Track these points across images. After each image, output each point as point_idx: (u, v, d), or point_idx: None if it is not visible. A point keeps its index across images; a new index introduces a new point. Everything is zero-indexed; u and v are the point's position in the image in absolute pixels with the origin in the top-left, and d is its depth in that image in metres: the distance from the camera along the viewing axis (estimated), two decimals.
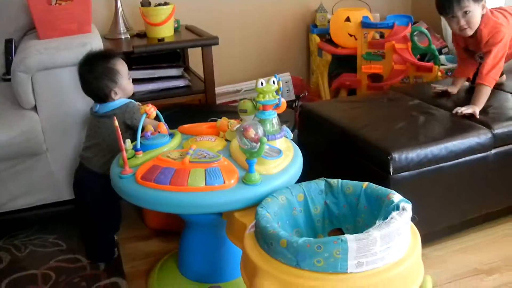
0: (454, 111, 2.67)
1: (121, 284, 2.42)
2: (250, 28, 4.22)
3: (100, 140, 2.39)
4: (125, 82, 2.42)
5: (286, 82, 4.02)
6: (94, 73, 2.35)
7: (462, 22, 2.71)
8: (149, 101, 2.70)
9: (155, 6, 3.37)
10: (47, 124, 2.63)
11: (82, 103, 2.62)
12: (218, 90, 3.85)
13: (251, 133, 1.81)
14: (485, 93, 2.71)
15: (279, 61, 4.37)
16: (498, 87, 3.02)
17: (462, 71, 3.07)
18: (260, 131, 1.82)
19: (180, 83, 3.28)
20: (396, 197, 1.72)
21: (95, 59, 2.40)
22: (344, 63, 4.01)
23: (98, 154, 2.41)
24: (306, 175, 2.88)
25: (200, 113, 2.90)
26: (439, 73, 3.71)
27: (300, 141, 2.86)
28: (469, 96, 2.82)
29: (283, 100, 2.13)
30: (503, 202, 2.73)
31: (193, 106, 3.21)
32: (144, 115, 2.12)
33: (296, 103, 4.02)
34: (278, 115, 2.17)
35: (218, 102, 3.83)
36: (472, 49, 2.89)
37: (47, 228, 2.89)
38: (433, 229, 2.51)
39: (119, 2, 3.47)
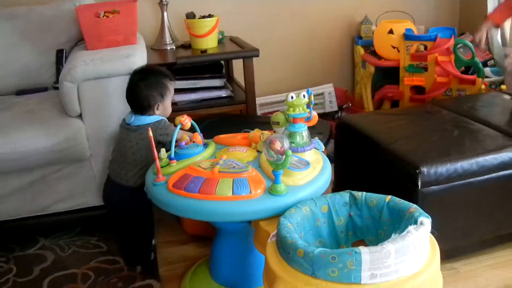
0: None
1: (155, 286, 2.51)
2: (294, 39, 4.31)
3: (129, 153, 2.45)
4: (168, 102, 2.50)
5: (329, 93, 4.07)
6: (146, 81, 2.43)
7: None
8: (190, 111, 2.83)
9: (200, 18, 3.47)
10: (92, 132, 2.75)
11: (124, 112, 2.70)
12: (262, 100, 3.95)
13: (277, 145, 1.88)
14: None
15: (323, 72, 4.44)
16: None
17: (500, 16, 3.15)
18: (286, 144, 1.88)
19: (222, 93, 3.37)
20: (418, 211, 1.76)
21: (151, 71, 2.51)
22: (388, 74, 4.01)
23: (125, 168, 2.48)
24: (340, 185, 2.96)
25: (238, 123, 2.98)
26: (483, 86, 3.71)
27: (336, 152, 2.91)
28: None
29: (314, 114, 2.19)
30: None
31: (232, 116, 3.29)
32: (179, 126, 2.20)
33: (339, 114, 4.07)
34: (314, 126, 2.25)
35: (262, 111, 3.93)
36: None
37: (90, 230, 3.02)
38: (464, 243, 2.53)
39: (165, 14, 3.59)
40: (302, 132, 2.14)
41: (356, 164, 2.86)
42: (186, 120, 2.21)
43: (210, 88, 3.36)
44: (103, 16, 3.01)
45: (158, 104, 2.44)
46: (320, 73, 4.43)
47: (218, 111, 3.28)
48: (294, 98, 2.09)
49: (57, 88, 3.08)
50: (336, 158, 2.96)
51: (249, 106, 3.31)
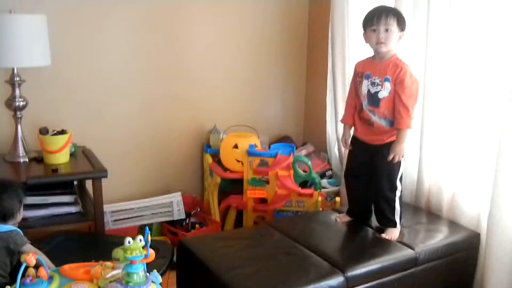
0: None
1: None
2: (145, 146, 4.51)
3: None
4: (21, 211, 2.73)
5: (177, 202, 4.26)
6: (9, 193, 2.65)
7: (382, 35, 3.07)
8: (41, 227, 2.94)
9: (52, 134, 3.61)
10: None
11: None
12: (112, 207, 4.09)
13: None
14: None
15: (174, 177, 4.66)
16: (367, 223, 3.42)
17: (348, 118, 3.43)
18: None
19: (72, 209, 3.49)
20: None
21: (8, 184, 2.74)
22: (234, 183, 4.30)
23: None
24: None
25: (89, 243, 3.21)
26: (319, 198, 4.06)
27: (178, 275, 3.11)
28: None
29: (151, 252, 2.38)
30: None
31: (82, 234, 3.41)
32: (24, 264, 2.33)
33: (187, 221, 4.28)
34: (157, 248, 2.57)
35: (113, 218, 4.07)
36: (368, 72, 3.20)
37: None
38: None
39: (19, 127, 3.68)
40: (139, 272, 2.33)
41: None
42: (32, 259, 2.34)
43: (61, 204, 3.48)
44: None
45: (19, 212, 2.69)
46: (170, 178, 4.64)
47: (68, 227, 3.37)
48: (131, 243, 2.29)
49: None
50: (178, 280, 3.15)
51: (98, 224, 3.44)
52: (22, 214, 2.74)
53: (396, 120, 3.13)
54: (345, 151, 3.90)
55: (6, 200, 2.64)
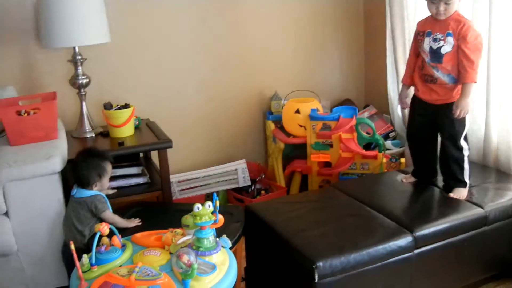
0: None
1: None
2: (207, 116, 4.58)
3: (74, 220, 2.91)
4: (105, 181, 3.03)
5: (242, 169, 4.31)
6: (87, 163, 2.94)
7: (441, 8, 3.04)
8: (110, 199, 3.03)
9: (116, 109, 3.68)
10: (18, 228, 2.94)
11: (49, 207, 2.98)
12: (178, 177, 4.17)
13: (184, 259, 2.13)
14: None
15: (237, 146, 4.72)
16: (433, 183, 3.39)
17: (407, 78, 3.41)
18: (192, 258, 2.14)
19: (140, 180, 3.57)
20: None
21: (93, 154, 3.03)
22: (298, 148, 4.31)
23: (72, 231, 2.91)
24: (251, 274, 3.20)
25: (161, 212, 3.32)
26: (384, 160, 4.04)
27: (246, 239, 3.16)
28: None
29: (220, 217, 2.43)
30: None
31: (153, 204, 3.52)
32: (98, 233, 2.41)
33: (252, 187, 4.33)
34: (231, 213, 2.76)
35: (178, 188, 4.15)
36: (430, 29, 3.17)
37: None
38: None
39: (84, 104, 3.77)
40: (209, 237, 2.38)
41: (263, 252, 3.12)
42: (105, 228, 2.41)
43: (128, 176, 3.57)
44: (24, 114, 3.18)
45: (96, 183, 2.95)
46: (234, 147, 4.69)
47: (136, 198, 3.46)
48: (200, 208, 2.34)
49: None
50: (247, 245, 3.19)
51: (165, 193, 3.51)
52: (106, 182, 3.03)
53: (460, 75, 3.08)
54: (408, 112, 3.86)
55: (83, 169, 2.92)
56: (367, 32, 5.02)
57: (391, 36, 4.39)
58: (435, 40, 3.11)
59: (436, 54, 3.13)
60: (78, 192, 2.95)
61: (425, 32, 3.17)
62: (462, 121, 3.17)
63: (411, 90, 3.42)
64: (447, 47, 3.08)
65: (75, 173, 2.96)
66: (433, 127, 3.30)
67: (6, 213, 2.94)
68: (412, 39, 3.37)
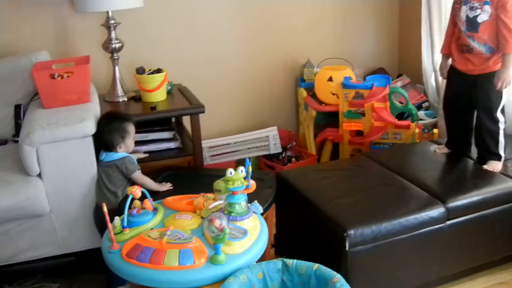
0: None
1: None
2: (240, 82, 4.55)
3: (106, 182, 3.01)
4: (129, 141, 3.10)
5: (274, 136, 4.30)
6: (110, 127, 3.03)
7: None
8: (141, 163, 3.07)
9: (149, 73, 3.68)
10: (51, 189, 2.97)
11: (82, 170, 3.00)
12: (210, 143, 4.17)
13: (216, 223, 2.14)
14: None
15: (269, 113, 4.70)
16: (467, 155, 3.35)
17: (445, 47, 3.37)
18: (224, 222, 2.15)
19: (171, 145, 3.58)
20: (339, 282, 2.03)
21: (114, 117, 3.12)
22: (330, 116, 4.29)
23: (105, 194, 3.01)
24: (280, 241, 3.21)
25: (193, 176, 3.34)
26: (417, 130, 4.00)
27: (277, 205, 3.16)
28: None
29: (252, 182, 2.43)
30: (459, 266, 2.99)
31: (186, 169, 3.52)
32: (130, 196, 2.42)
33: (283, 154, 4.32)
34: (263, 180, 2.80)
35: (209, 154, 4.16)
36: None
37: (50, 277, 3.22)
38: None
39: (116, 68, 3.78)
40: (241, 202, 2.39)
41: (293, 219, 3.12)
42: (137, 191, 2.43)
43: (160, 140, 3.58)
44: (57, 77, 3.20)
45: (120, 145, 3.03)
46: (265, 114, 4.68)
47: (168, 163, 3.48)
48: (233, 173, 2.34)
49: (16, 141, 3.23)
50: (277, 211, 3.20)
51: (197, 158, 3.53)
52: (131, 143, 3.10)
53: (500, 45, 3.02)
54: (442, 82, 3.82)
55: (106, 132, 3.01)
56: (402, 0, 4.94)
57: (427, 4, 4.32)
58: (471, 8, 3.06)
59: (472, 23, 3.07)
60: (107, 156, 3.05)
61: (462, 0, 3.11)
62: (499, 93, 3.12)
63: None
64: (483, 15, 3.02)
65: (99, 138, 3.04)
66: (470, 98, 3.24)
67: (40, 175, 2.96)
68: (451, 8, 3.31)
